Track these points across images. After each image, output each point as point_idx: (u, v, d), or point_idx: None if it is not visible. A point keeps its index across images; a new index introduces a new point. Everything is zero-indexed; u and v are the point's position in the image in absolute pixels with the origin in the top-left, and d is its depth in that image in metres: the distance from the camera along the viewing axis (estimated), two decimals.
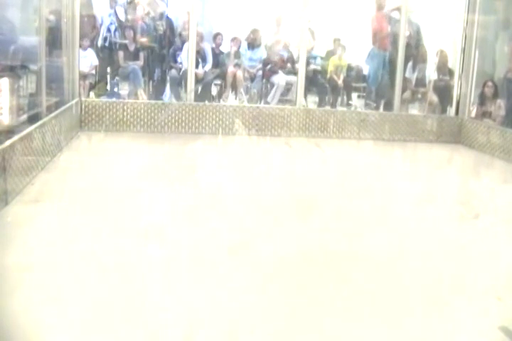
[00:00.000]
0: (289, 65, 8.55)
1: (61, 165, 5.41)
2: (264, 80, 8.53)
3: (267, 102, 8.31)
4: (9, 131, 4.69)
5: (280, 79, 8.39)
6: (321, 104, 8.63)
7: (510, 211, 4.74)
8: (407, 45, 8.06)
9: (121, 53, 8.24)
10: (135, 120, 7.37)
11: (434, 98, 8.34)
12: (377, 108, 8.63)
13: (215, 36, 8.48)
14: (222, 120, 7.52)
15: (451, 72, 8.26)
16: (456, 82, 8.10)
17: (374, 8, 8.58)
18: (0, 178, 3.93)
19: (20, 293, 2.77)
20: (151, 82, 8.42)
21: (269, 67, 8.47)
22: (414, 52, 8.37)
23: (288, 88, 8.46)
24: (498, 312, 2.90)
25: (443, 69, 8.33)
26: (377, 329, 2.65)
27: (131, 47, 8.26)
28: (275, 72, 8.47)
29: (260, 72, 8.54)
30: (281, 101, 8.42)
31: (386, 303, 2.91)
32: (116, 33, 8.47)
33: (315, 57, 8.72)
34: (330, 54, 8.97)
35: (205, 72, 8.21)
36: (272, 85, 8.47)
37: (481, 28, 7.74)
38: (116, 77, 8.46)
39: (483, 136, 7.37)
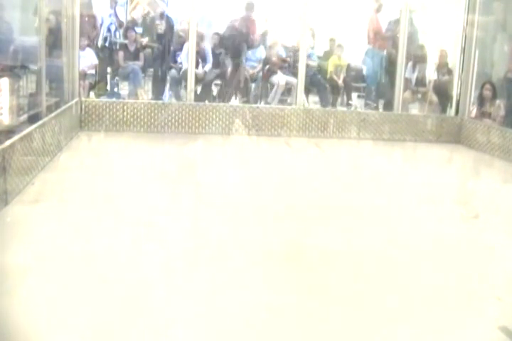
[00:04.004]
0: (287, 64, 8.54)
1: (61, 165, 5.41)
2: (263, 80, 8.53)
3: (267, 103, 8.30)
4: (9, 131, 4.69)
5: (280, 78, 8.38)
6: (322, 103, 8.62)
7: (510, 211, 4.74)
8: (408, 45, 8.07)
9: (121, 53, 8.25)
10: (135, 120, 7.37)
11: (434, 98, 8.34)
12: (377, 108, 8.65)
13: (213, 36, 8.47)
14: (222, 120, 7.52)
15: (451, 72, 8.26)
16: (455, 82, 8.10)
17: (373, 8, 8.61)
18: (0, 178, 3.93)
19: (19, 293, 2.77)
20: (151, 82, 8.43)
21: (267, 67, 8.46)
22: (414, 52, 8.38)
23: (288, 88, 8.46)
24: (498, 312, 2.90)
25: (443, 69, 8.33)
26: (375, 328, 2.65)
27: (132, 47, 8.27)
28: (274, 72, 8.47)
29: (260, 72, 8.54)
30: (281, 101, 8.41)
31: (386, 302, 2.92)
32: (116, 33, 8.48)
33: (310, 55, 8.68)
34: (327, 54, 8.99)
35: (205, 72, 8.21)
36: (272, 85, 8.47)
37: (481, 29, 7.74)
38: (116, 77, 8.46)
39: (483, 136, 7.37)
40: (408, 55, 8.10)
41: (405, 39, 7.98)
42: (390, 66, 8.40)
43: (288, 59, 8.60)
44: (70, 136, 6.53)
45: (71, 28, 7.02)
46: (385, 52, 8.67)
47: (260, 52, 8.61)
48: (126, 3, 9.22)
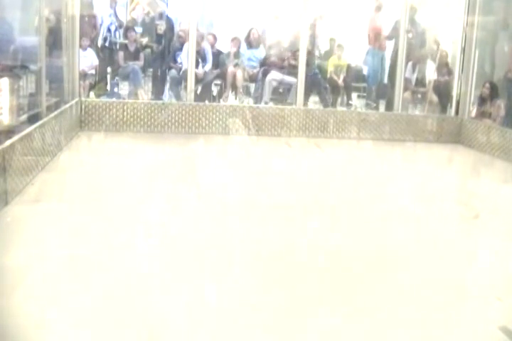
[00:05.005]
0: (286, 64, 8.54)
1: (61, 165, 5.41)
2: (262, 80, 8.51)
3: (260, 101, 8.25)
4: (9, 131, 4.69)
5: (271, 76, 8.33)
6: (322, 103, 8.61)
7: (510, 211, 4.74)
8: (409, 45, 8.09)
9: (121, 53, 8.24)
10: (135, 120, 7.38)
11: (434, 98, 8.35)
12: (377, 108, 8.65)
13: (207, 36, 8.46)
14: (222, 120, 7.52)
15: (451, 72, 8.27)
16: (456, 82, 8.10)
17: (373, 8, 8.62)
18: (0, 178, 3.93)
19: (18, 293, 2.77)
20: (151, 82, 8.43)
21: (263, 68, 8.45)
22: (414, 52, 8.39)
23: (287, 88, 8.45)
24: (498, 312, 2.90)
25: (443, 69, 8.33)
26: (376, 328, 2.65)
27: (132, 47, 8.27)
28: (269, 72, 8.45)
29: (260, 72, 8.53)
30: (281, 101, 8.40)
31: (386, 303, 2.91)
32: (116, 33, 8.48)
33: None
34: (327, 54, 8.99)
35: (205, 72, 8.21)
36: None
37: (481, 29, 7.74)
38: (116, 77, 8.46)
39: (483, 136, 7.37)
40: (408, 55, 8.12)
41: (405, 39, 7.99)
42: (390, 66, 8.40)
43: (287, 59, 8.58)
44: (70, 136, 6.53)
45: (71, 28, 7.03)
46: (385, 52, 8.67)
47: (260, 52, 8.60)
48: (126, 3, 9.22)
